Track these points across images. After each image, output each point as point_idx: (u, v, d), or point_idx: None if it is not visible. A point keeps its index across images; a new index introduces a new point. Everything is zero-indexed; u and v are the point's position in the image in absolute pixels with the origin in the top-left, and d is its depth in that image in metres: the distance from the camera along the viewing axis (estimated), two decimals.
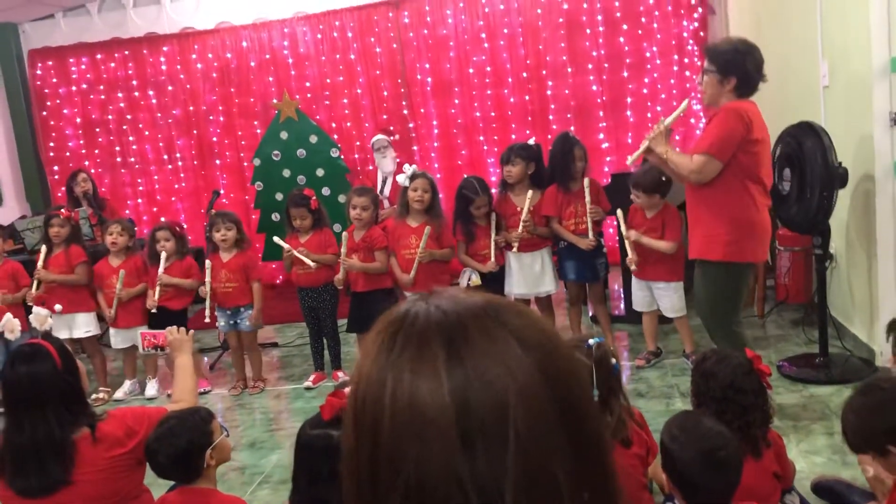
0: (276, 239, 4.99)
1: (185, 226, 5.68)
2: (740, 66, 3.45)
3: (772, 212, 3.77)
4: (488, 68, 7.40)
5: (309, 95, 7.65)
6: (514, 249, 4.75)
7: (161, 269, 4.99)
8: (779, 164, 4.08)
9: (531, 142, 5.05)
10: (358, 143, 7.67)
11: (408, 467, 0.63)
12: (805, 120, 4.05)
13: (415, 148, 7.64)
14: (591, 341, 2.30)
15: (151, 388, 5.22)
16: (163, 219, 7.66)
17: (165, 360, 5.09)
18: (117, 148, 8.15)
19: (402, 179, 4.84)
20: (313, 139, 7.14)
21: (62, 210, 5.32)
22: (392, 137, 7.24)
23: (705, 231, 3.61)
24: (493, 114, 7.49)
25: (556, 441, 0.64)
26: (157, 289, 4.99)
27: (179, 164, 8.11)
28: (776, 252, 5.13)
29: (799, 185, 3.96)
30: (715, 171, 3.47)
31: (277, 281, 7.65)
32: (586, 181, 4.70)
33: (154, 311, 5.00)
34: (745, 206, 3.51)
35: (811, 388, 4.04)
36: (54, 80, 8.15)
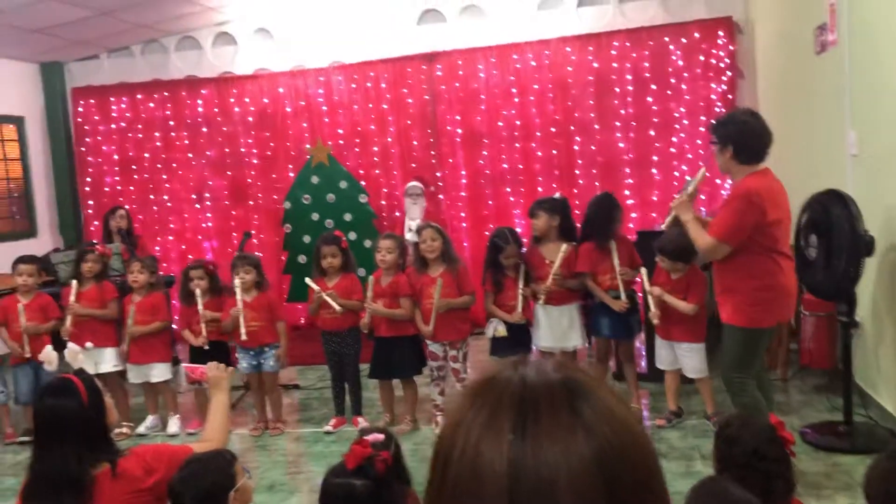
0: (307, 280, 5.05)
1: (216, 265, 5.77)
2: (734, 135, 3.64)
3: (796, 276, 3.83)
4: (517, 122, 7.53)
5: (341, 142, 7.81)
6: (542, 301, 4.79)
7: (200, 307, 5.08)
8: (805, 230, 4.13)
9: (556, 195, 5.12)
10: (385, 190, 7.80)
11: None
12: (832, 188, 4.10)
13: (441, 197, 7.75)
14: None
15: (173, 425, 5.27)
16: (190, 256, 7.81)
17: (195, 395, 5.17)
18: (151, 186, 8.34)
19: (410, 237, 4.93)
20: (343, 184, 7.27)
21: (97, 246, 5.45)
22: (430, 188, 7.36)
23: (730, 297, 3.73)
24: (520, 166, 7.59)
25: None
26: (203, 326, 5.07)
27: (208, 203, 8.26)
28: (801, 316, 5.12)
29: (826, 251, 3.99)
30: (724, 253, 3.65)
31: (301, 322, 7.71)
32: (613, 243, 4.77)
33: (207, 346, 5.05)
34: (768, 273, 3.62)
35: (835, 457, 4.00)
36: (95, 117, 8.39)
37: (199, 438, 2.84)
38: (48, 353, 4.62)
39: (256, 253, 6.84)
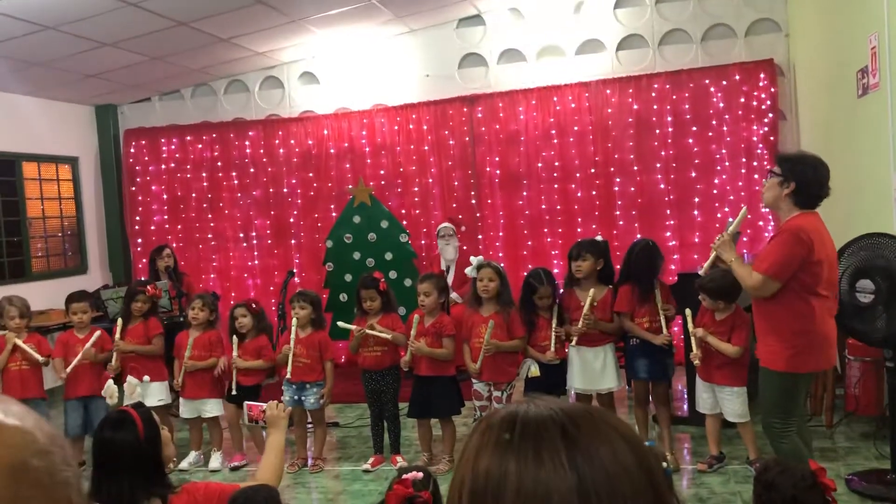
0: (340, 323, 5.14)
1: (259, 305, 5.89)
2: (802, 174, 3.57)
3: (841, 322, 3.76)
4: (556, 163, 7.59)
5: (383, 182, 7.95)
6: (574, 343, 4.78)
7: (235, 354, 5.20)
8: (853, 274, 4.05)
9: (598, 238, 5.14)
10: (425, 230, 7.89)
11: None
12: (880, 231, 4.05)
13: (479, 237, 7.80)
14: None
15: (215, 460, 5.34)
16: (233, 294, 7.96)
17: (252, 432, 5.28)
18: (197, 224, 8.55)
19: (469, 271, 4.98)
20: (384, 224, 7.38)
21: (148, 287, 5.60)
22: (461, 229, 7.44)
23: (768, 342, 3.69)
24: (558, 207, 7.63)
25: None
26: (234, 372, 5.21)
27: (254, 242, 8.44)
28: (846, 361, 5.04)
29: (888, 295, 3.91)
30: (773, 290, 3.59)
31: (341, 361, 7.77)
32: (656, 282, 4.76)
33: (234, 393, 5.21)
34: (807, 319, 3.57)
35: None
36: (146, 158, 8.67)
37: (252, 477, 2.87)
38: (110, 387, 4.74)
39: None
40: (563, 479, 0.73)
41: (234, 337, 5.26)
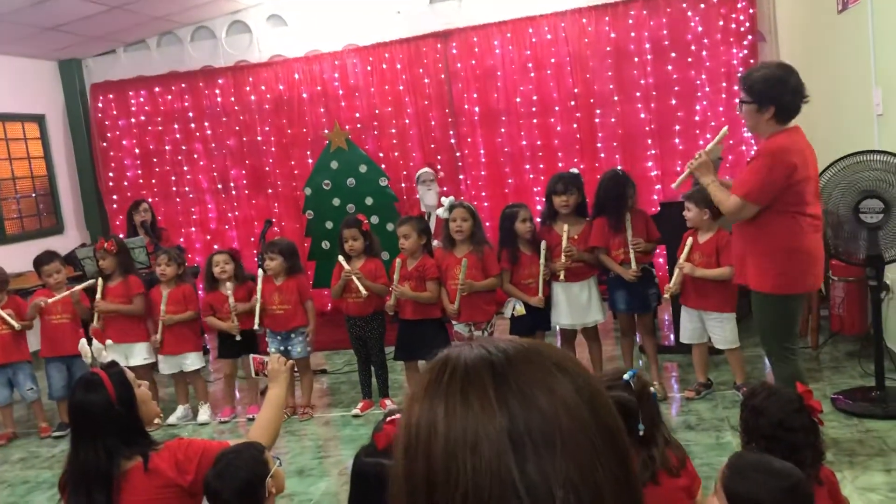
0: (340, 258, 5.05)
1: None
2: (776, 96, 3.41)
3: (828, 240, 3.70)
4: (535, 98, 7.44)
5: (358, 126, 7.78)
6: (562, 278, 4.74)
7: (231, 297, 5.13)
8: (859, 194, 3.91)
9: (574, 171, 5.04)
10: (405, 173, 7.76)
11: (465, 479, 0.68)
12: (863, 149, 3.98)
13: (461, 177, 7.70)
14: (626, 376, 2.29)
15: (204, 413, 5.33)
16: (216, 246, 7.87)
17: (250, 387, 5.29)
18: (173, 178, 8.39)
19: (441, 213, 4.92)
20: (363, 168, 7.26)
21: (100, 242, 5.47)
22: (439, 175, 7.34)
23: (755, 263, 3.57)
24: (539, 143, 7.51)
25: (596, 447, 0.70)
26: (234, 316, 5.13)
27: (233, 193, 8.31)
28: (829, 282, 5.04)
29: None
30: (751, 213, 3.49)
31: (327, 308, 7.75)
32: (627, 215, 4.69)
33: (239, 337, 5.15)
34: (793, 236, 3.45)
35: (867, 423, 3.94)
36: (114, 112, 8.45)
37: (250, 430, 2.83)
38: (83, 346, 4.70)
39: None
40: (492, 422, 0.69)
41: (228, 284, 5.17)
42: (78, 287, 5.31)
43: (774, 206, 3.44)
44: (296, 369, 5.22)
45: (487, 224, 7.49)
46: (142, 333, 5.41)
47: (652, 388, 2.39)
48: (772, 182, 3.40)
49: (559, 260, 4.72)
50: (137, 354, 5.31)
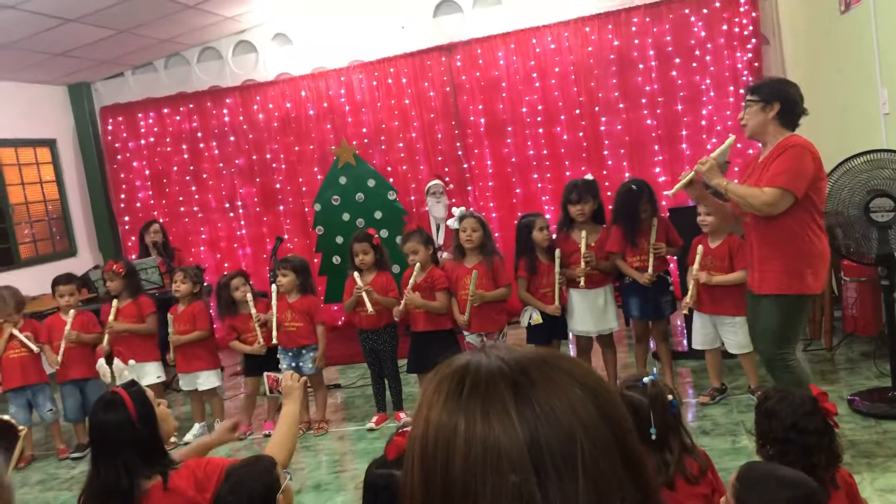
0: (354, 274, 5.05)
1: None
2: (783, 92, 3.46)
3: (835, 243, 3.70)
4: (540, 107, 7.47)
5: (366, 141, 7.83)
6: (582, 285, 4.73)
7: (254, 313, 5.15)
8: (867, 194, 3.90)
9: (589, 177, 5.04)
10: (413, 186, 7.80)
11: (484, 500, 0.68)
12: (871, 149, 3.97)
13: (469, 188, 7.72)
14: (645, 379, 2.30)
15: None
16: (226, 265, 7.92)
17: (269, 404, 5.32)
18: (181, 198, 8.45)
19: (452, 223, 4.92)
20: (371, 183, 7.29)
21: (108, 265, 5.53)
22: (448, 186, 7.35)
23: (776, 267, 3.51)
24: (545, 152, 7.53)
25: (617, 472, 0.70)
26: (259, 330, 5.14)
27: (241, 211, 8.36)
28: (842, 283, 5.01)
29: None
30: (788, 204, 3.39)
31: (339, 323, 7.77)
32: (654, 221, 4.69)
33: (263, 352, 5.15)
34: (811, 238, 3.45)
35: (885, 424, 3.91)
36: (124, 134, 8.53)
37: (265, 447, 2.84)
38: (102, 367, 4.73)
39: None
40: (513, 438, 0.68)
41: (249, 296, 5.18)
42: (73, 334, 5.29)
43: (798, 203, 3.39)
44: (309, 385, 5.23)
45: (496, 234, 7.53)
46: (153, 353, 5.44)
47: (670, 397, 2.38)
48: (806, 171, 3.36)
49: (577, 267, 4.72)
50: (150, 374, 5.33)
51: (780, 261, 3.49)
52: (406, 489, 0.75)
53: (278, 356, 5.23)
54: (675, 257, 5.17)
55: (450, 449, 0.71)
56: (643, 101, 7.28)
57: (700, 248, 4.49)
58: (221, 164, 8.33)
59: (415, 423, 0.76)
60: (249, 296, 5.18)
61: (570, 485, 0.67)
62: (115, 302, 5.36)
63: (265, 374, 3.09)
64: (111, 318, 5.29)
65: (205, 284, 6.07)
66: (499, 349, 0.77)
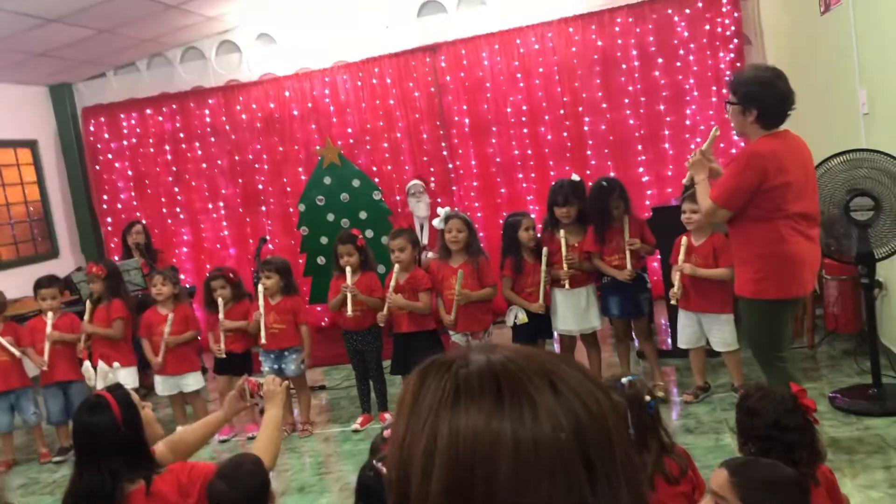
0: (347, 270, 5.02)
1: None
2: (760, 99, 3.38)
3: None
4: (525, 107, 7.48)
5: (351, 141, 7.81)
6: (567, 287, 4.75)
7: (221, 316, 5.13)
8: (846, 193, 3.92)
9: (575, 177, 5.04)
10: (398, 186, 7.78)
11: (540, 498, 0.66)
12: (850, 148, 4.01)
13: (454, 188, 7.73)
14: (623, 380, 2.31)
15: None
16: (208, 266, 7.87)
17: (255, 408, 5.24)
18: (163, 199, 8.40)
19: (437, 223, 4.93)
20: (356, 183, 7.26)
21: (91, 265, 5.49)
22: (431, 186, 7.35)
23: (739, 270, 3.59)
24: (530, 152, 7.54)
25: (633, 459, 0.71)
26: (222, 335, 5.13)
27: (223, 212, 8.31)
28: (823, 281, 5.06)
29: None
30: (723, 217, 3.52)
31: (323, 323, 7.75)
32: (625, 219, 4.72)
33: (224, 356, 5.15)
34: (772, 242, 3.41)
35: (865, 421, 3.95)
36: (106, 135, 8.47)
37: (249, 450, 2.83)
38: (87, 369, 4.69)
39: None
40: (565, 437, 0.67)
41: (220, 301, 5.16)
42: (55, 334, 5.25)
43: (751, 211, 3.42)
44: (292, 387, 5.21)
45: (481, 234, 7.54)
46: (125, 358, 5.30)
47: (648, 398, 2.39)
48: (742, 187, 3.37)
49: (560, 267, 4.73)
50: (123, 379, 5.26)
51: (747, 265, 3.52)
52: (419, 494, 0.70)
53: (260, 358, 5.20)
54: (658, 254, 5.19)
55: (493, 456, 0.67)
56: (626, 101, 7.31)
57: (684, 240, 4.51)
58: (205, 165, 8.29)
59: (419, 436, 0.71)
60: (220, 301, 5.16)
61: (614, 480, 0.67)
62: (88, 304, 5.33)
63: (245, 378, 3.07)
64: (85, 319, 5.26)
65: (185, 286, 6.04)
66: (497, 350, 0.74)
